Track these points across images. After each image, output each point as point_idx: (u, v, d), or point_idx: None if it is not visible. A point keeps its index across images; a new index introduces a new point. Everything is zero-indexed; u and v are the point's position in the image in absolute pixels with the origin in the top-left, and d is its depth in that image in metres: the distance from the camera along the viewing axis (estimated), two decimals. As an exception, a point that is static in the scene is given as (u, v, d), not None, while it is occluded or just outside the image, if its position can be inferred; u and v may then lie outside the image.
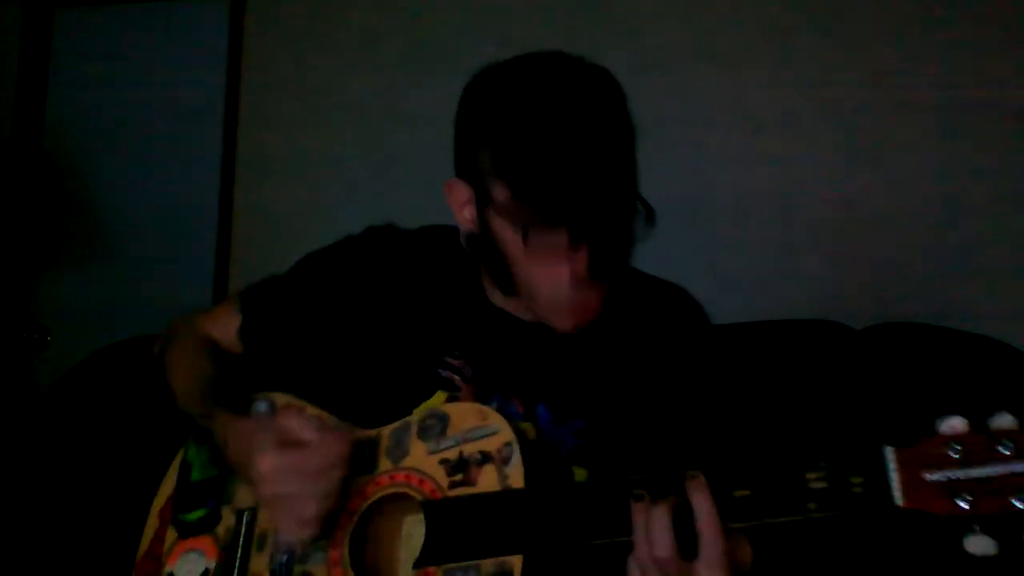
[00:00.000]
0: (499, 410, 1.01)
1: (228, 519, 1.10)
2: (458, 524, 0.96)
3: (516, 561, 0.92)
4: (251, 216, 3.03)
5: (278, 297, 1.20)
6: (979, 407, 0.79)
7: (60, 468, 1.94)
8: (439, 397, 1.09)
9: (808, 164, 2.61)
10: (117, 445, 1.91)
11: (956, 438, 0.78)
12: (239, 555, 1.07)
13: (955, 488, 0.77)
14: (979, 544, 0.76)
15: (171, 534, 1.15)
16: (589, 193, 0.94)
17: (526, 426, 1.06)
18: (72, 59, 3.25)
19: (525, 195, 0.95)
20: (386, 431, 1.05)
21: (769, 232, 2.62)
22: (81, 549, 1.76)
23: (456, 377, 1.10)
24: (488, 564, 0.93)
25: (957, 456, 0.78)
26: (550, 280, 1.00)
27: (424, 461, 1.01)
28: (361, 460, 1.03)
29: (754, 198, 2.63)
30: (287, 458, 0.94)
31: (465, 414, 1.02)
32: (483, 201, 1.01)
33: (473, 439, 0.99)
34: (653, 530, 0.85)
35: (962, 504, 0.76)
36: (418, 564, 0.97)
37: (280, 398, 1.12)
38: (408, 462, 1.02)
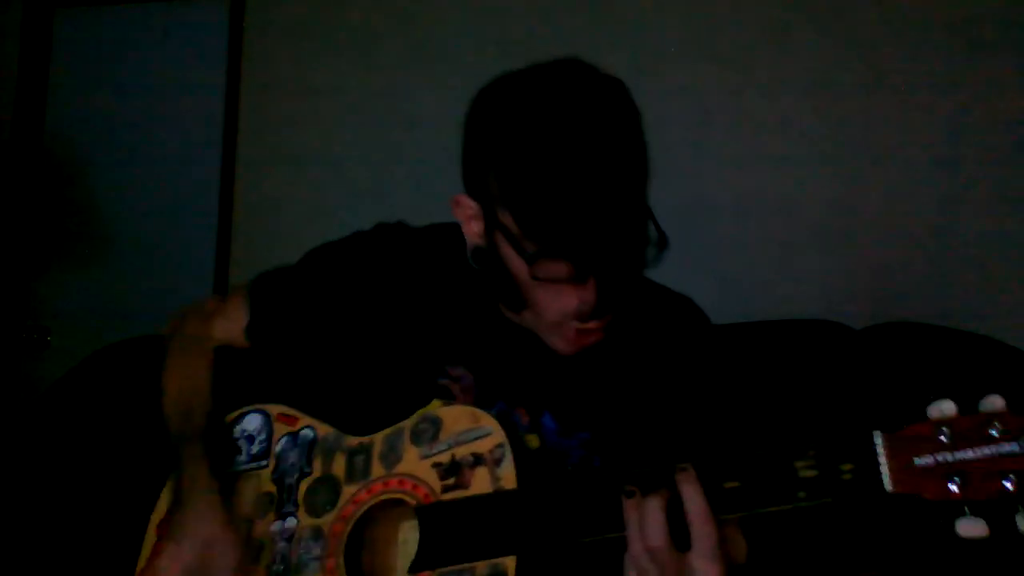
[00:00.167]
0: (498, 418, 1.00)
1: None
2: (451, 527, 0.96)
3: (510, 562, 0.92)
4: (251, 216, 3.03)
5: (286, 296, 1.19)
6: (969, 392, 0.79)
7: (59, 470, 1.94)
8: (435, 405, 1.08)
9: (808, 164, 2.61)
10: (117, 446, 1.91)
11: (945, 422, 0.78)
12: None
13: (945, 472, 0.77)
14: (970, 527, 0.75)
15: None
16: (598, 229, 0.92)
17: (531, 437, 1.06)
18: (72, 59, 3.25)
19: (532, 229, 0.94)
20: (379, 437, 1.05)
21: (769, 232, 2.61)
22: (79, 557, 1.76)
23: (454, 386, 1.10)
24: (482, 566, 0.93)
25: (947, 440, 0.77)
26: (555, 307, 0.99)
27: (417, 466, 1.01)
28: (354, 468, 1.04)
29: (754, 198, 2.63)
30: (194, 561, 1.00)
31: (458, 417, 1.01)
32: (491, 223, 0.99)
33: (465, 441, 0.99)
34: (646, 521, 0.86)
35: (952, 487, 0.76)
36: (413, 569, 0.97)
37: (274, 408, 1.12)
38: (401, 467, 1.02)
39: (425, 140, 2.68)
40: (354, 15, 3.02)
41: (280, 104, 3.04)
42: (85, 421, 2.00)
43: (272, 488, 1.10)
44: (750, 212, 2.63)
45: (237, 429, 1.15)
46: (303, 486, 1.08)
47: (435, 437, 1.01)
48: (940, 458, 0.77)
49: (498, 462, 0.97)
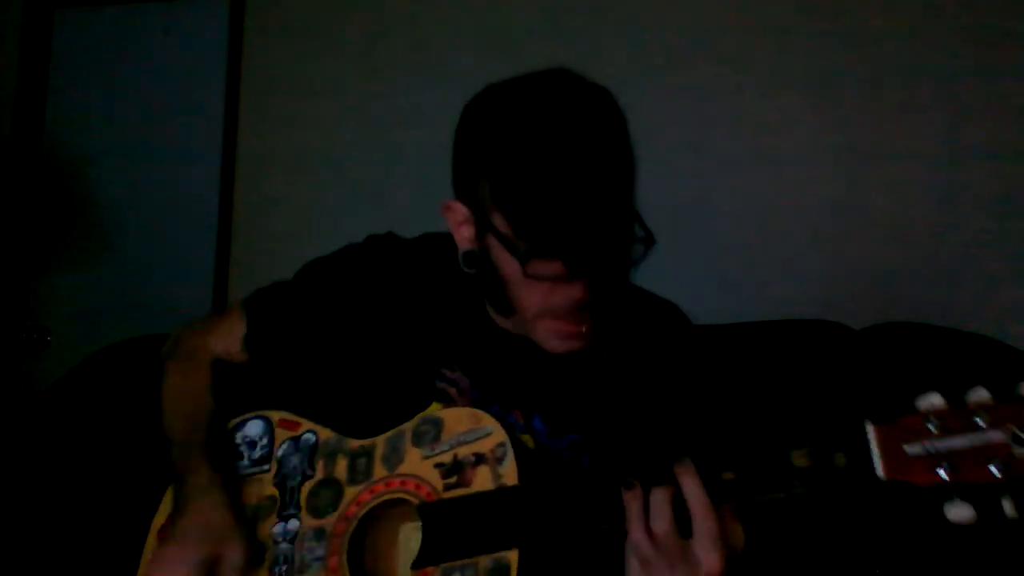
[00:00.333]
0: (497, 418, 1.01)
1: None
2: (454, 523, 0.97)
3: (512, 556, 0.93)
4: (251, 216, 3.03)
5: (282, 307, 1.21)
6: (956, 386, 0.82)
7: (59, 470, 1.94)
8: (434, 408, 1.10)
9: (808, 164, 2.61)
10: (117, 447, 1.91)
11: (934, 413, 0.81)
12: None
13: (935, 459, 0.80)
14: (959, 511, 0.78)
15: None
16: (588, 229, 0.95)
17: (525, 437, 1.08)
18: (72, 59, 3.25)
19: (524, 230, 0.96)
20: (381, 439, 1.06)
21: (769, 232, 2.61)
22: (79, 559, 1.76)
23: (452, 389, 1.11)
24: (485, 561, 0.94)
25: (935, 430, 0.81)
26: (546, 306, 1.01)
27: (419, 466, 1.02)
28: (357, 470, 1.04)
29: (754, 198, 2.63)
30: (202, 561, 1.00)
31: (459, 418, 1.02)
32: (482, 227, 1.01)
33: (467, 442, 1.00)
34: (653, 507, 0.88)
35: (942, 474, 0.79)
36: (416, 565, 0.98)
37: (275, 415, 1.12)
38: (403, 468, 1.03)
39: (425, 140, 2.68)
40: (354, 15, 3.03)
41: (280, 104, 3.05)
42: (85, 422, 2.00)
43: (274, 492, 1.10)
44: (750, 212, 2.64)
45: (238, 435, 1.15)
46: (305, 489, 1.08)
47: (437, 438, 1.02)
48: (929, 446, 0.80)
49: (500, 460, 0.98)
